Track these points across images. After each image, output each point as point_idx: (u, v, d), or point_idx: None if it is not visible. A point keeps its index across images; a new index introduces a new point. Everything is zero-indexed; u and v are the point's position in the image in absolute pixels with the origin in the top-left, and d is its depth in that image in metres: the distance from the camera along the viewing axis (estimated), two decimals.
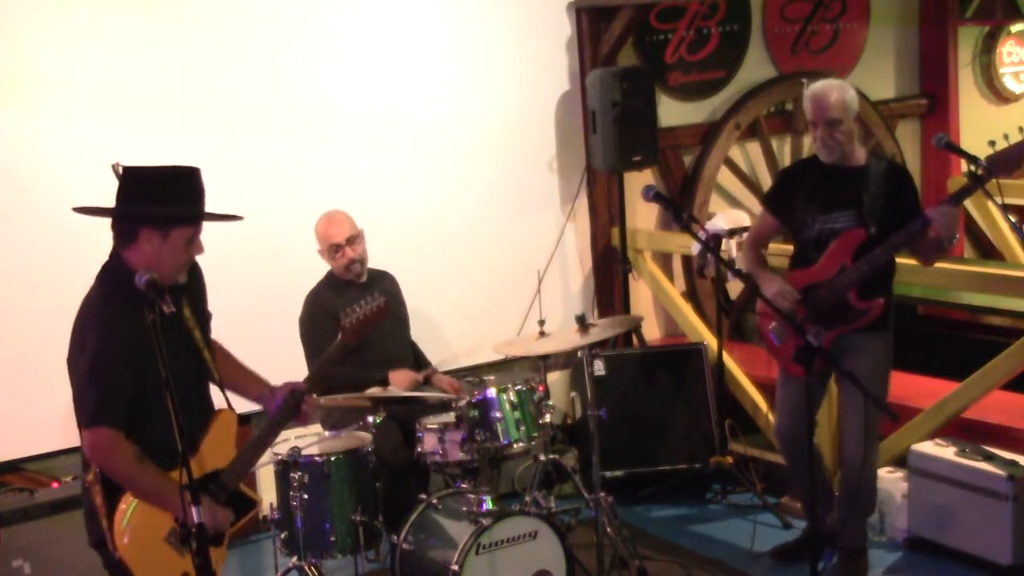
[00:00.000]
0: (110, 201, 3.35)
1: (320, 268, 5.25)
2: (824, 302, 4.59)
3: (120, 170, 3.32)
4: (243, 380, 3.66)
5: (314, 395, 3.62)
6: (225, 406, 3.53)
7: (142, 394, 3.25)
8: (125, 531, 3.27)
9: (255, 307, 5.41)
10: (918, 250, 4.62)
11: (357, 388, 4.80)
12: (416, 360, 5.35)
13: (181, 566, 3.31)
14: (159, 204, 3.29)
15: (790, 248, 4.92)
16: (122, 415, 3.24)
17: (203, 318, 3.55)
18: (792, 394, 4.75)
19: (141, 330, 3.08)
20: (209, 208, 3.39)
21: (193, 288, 3.51)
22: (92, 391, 3.23)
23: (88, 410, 3.25)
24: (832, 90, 4.59)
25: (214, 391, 3.56)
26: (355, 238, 5.15)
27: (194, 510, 2.96)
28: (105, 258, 3.39)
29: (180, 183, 3.34)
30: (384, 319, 3.75)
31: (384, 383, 4.92)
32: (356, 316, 3.65)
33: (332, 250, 5.12)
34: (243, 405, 3.68)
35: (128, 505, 3.29)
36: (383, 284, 5.26)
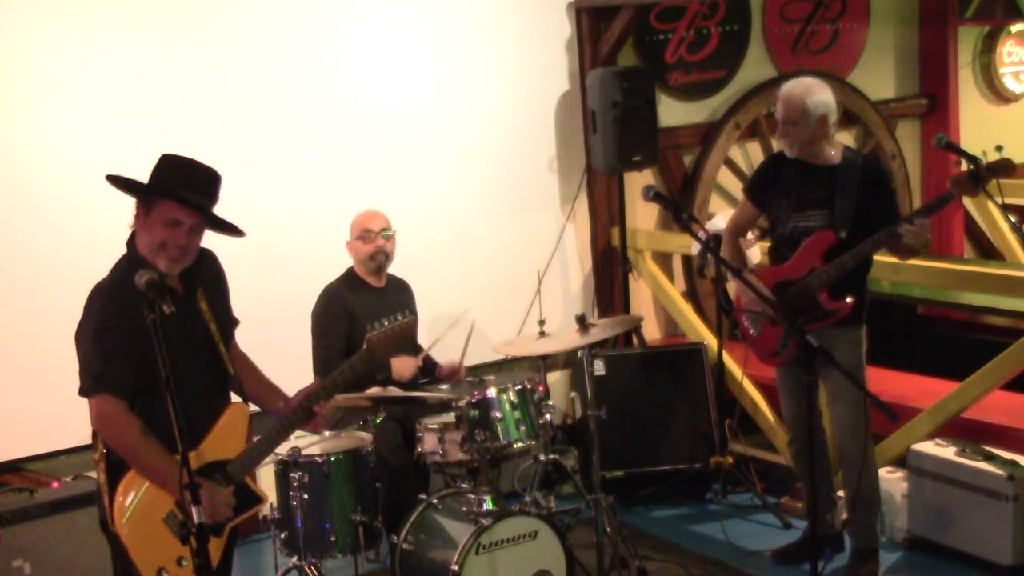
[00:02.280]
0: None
1: (323, 270, 5.24)
2: (794, 300, 4.62)
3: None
4: (261, 390, 3.68)
5: (327, 402, 3.61)
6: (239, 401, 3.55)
7: (150, 379, 3.25)
8: (124, 509, 3.29)
9: (259, 309, 5.39)
10: (892, 249, 4.66)
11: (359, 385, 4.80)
12: (425, 360, 5.33)
13: (177, 549, 3.30)
14: (150, 179, 3.33)
15: None
16: (127, 386, 3.26)
17: (222, 316, 3.56)
18: (790, 382, 4.81)
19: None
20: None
21: (212, 285, 3.52)
22: (97, 358, 3.25)
23: (93, 377, 3.27)
24: (795, 93, 4.64)
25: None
26: (389, 234, 5.20)
27: (194, 510, 2.97)
28: (105, 259, 3.44)
29: (189, 171, 3.36)
30: (412, 335, 3.67)
31: (386, 382, 4.92)
32: (384, 330, 3.55)
33: (364, 234, 5.14)
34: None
35: (129, 483, 3.30)
36: (400, 293, 5.27)
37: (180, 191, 3.31)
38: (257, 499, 3.55)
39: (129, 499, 3.30)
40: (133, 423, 3.27)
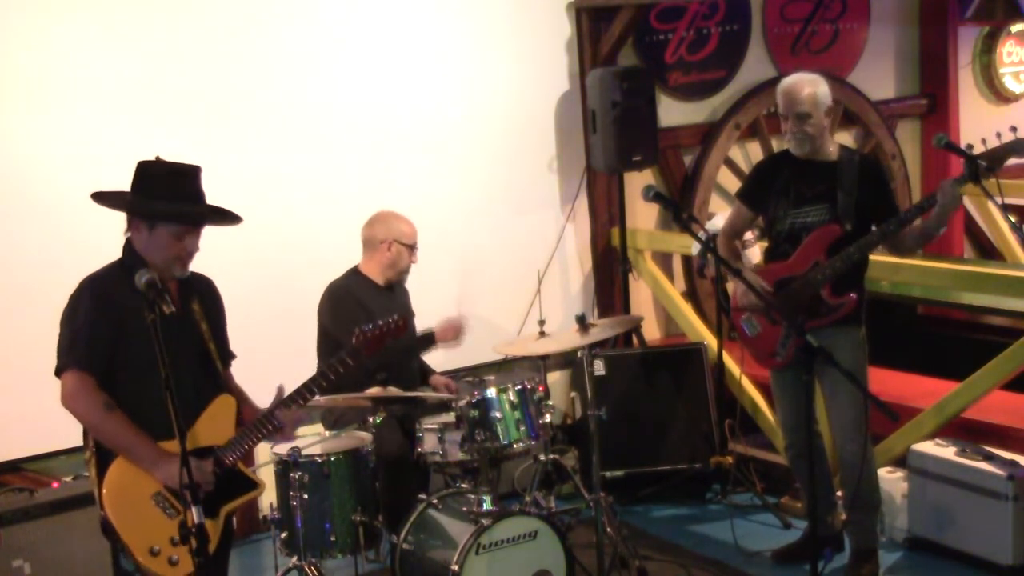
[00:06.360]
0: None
1: (323, 269, 5.24)
2: (797, 296, 4.61)
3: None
4: (244, 410, 3.69)
5: (293, 408, 3.62)
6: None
7: (127, 369, 3.35)
8: (111, 492, 3.34)
9: (259, 309, 5.40)
10: (894, 243, 4.64)
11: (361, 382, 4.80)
12: (420, 367, 5.33)
13: (168, 528, 3.33)
14: (147, 198, 3.42)
15: None
16: (95, 361, 3.33)
17: (214, 321, 3.60)
18: (785, 385, 4.80)
19: (133, 305, 3.20)
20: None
21: (211, 310, 3.58)
22: (67, 336, 3.36)
23: (62, 354, 3.37)
24: (804, 84, 4.63)
25: None
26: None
27: (194, 510, 2.97)
28: (104, 260, 3.50)
29: (176, 181, 3.44)
30: (401, 337, 3.76)
31: (387, 381, 4.91)
32: (373, 330, 3.69)
33: (410, 249, 5.16)
34: None
35: (115, 469, 3.36)
36: (402, 294, 5.27)
37: (182, 211, 3.42)
38: (252, 484, 3.58)
39: (114, 482, 3.35)
40: (97, 397, 3.33)
